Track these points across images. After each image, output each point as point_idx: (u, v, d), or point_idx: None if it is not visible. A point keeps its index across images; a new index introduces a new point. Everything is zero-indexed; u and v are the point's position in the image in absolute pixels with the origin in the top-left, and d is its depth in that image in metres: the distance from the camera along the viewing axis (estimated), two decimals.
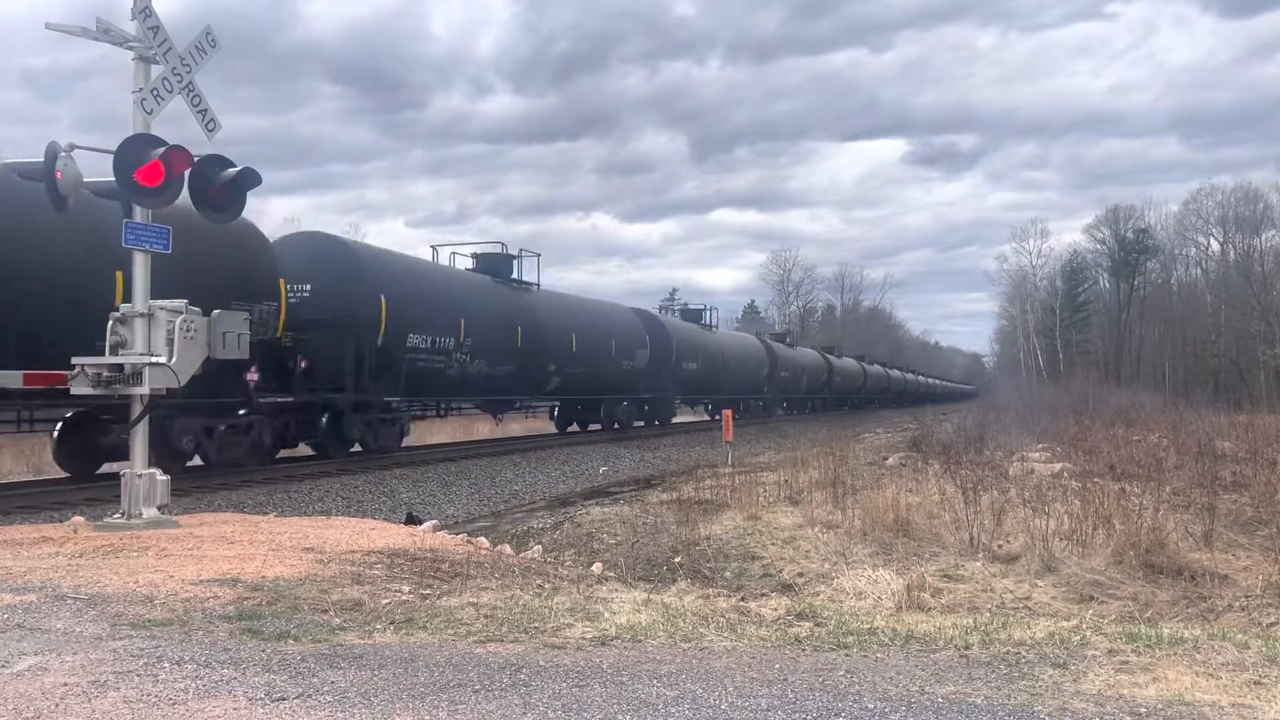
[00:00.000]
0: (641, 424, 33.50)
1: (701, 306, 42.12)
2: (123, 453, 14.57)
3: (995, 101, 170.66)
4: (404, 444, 20.86)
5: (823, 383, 57.80)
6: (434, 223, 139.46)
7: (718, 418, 33.77)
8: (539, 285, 26.60)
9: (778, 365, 46.89)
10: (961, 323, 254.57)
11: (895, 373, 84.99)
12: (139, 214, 8.58)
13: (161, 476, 8.67)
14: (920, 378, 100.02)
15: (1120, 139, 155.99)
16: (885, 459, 20.69)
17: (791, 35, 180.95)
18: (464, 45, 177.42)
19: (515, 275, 25.59)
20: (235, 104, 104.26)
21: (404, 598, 5.92)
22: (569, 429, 31.10)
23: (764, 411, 45.97)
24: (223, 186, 8.83)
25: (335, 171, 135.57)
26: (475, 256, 25.33)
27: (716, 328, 42.62)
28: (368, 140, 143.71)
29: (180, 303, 8.68)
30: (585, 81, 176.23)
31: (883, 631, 5.15)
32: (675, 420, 37.90)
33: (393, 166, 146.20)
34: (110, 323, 8.55)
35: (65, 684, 3.95)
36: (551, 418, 31.30)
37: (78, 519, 9.71)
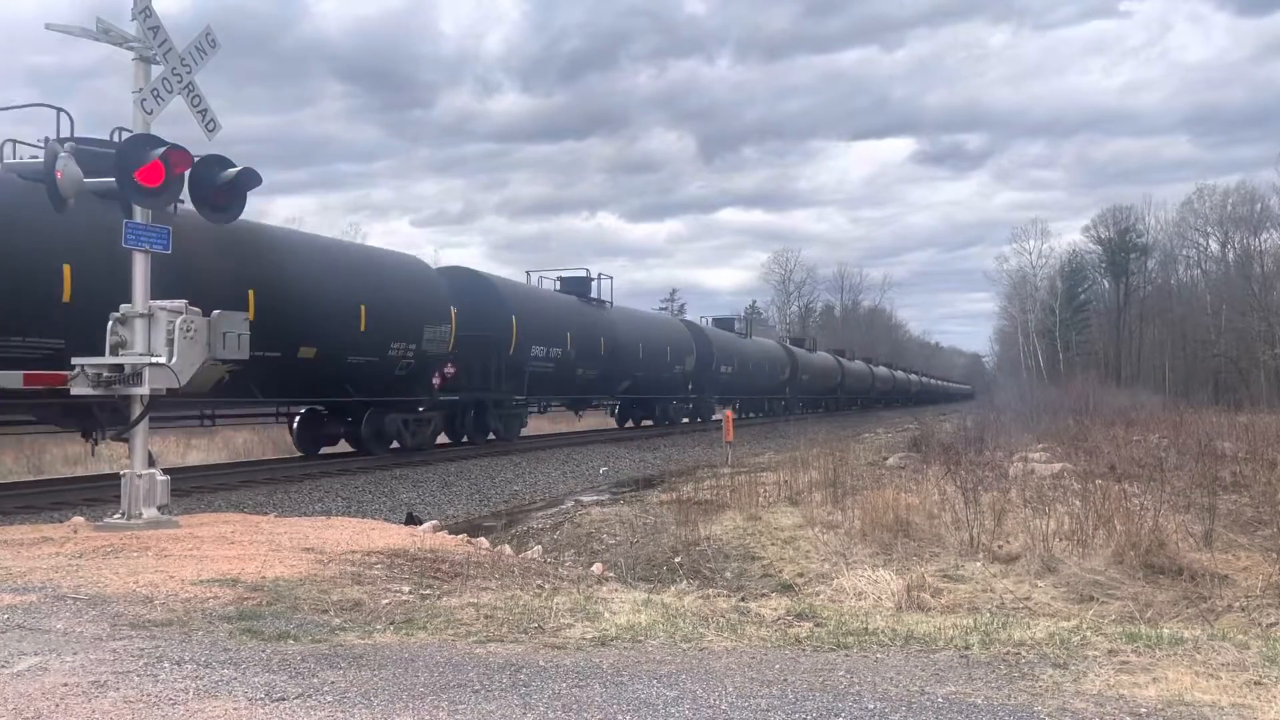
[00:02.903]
0: (687, 420, 37.98)
1: (732, 316, 47.68)
2: (333, 440, 20.06)
3: (1006, 100, 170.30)
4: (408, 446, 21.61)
5: (836, 384, 60.74)
6: (439, 222, 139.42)
7: (742, 416, 36.92)
8: (612, 303, 31.32)
9: (798, 369, 50.61)
10: (962, 323, 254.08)
11: (899, 374, 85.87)
12: (139, 214, 8.56)
13: (161, 477, 8.66)
14: (922, 378, 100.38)
15: (1130, 138, 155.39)
16: (885, 459, 20.69)
17: (802, 33, 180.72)
18: (473, 44, 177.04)
19: (594, 295, 30.25)
20: (242, 103, 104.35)
21: (404, 598, 5.92)
22: (626, 424, 35.57)
23: (785, 410, 49.71)
24: (223, 186, 8.82)
25: (342, 170, 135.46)
26: (560, 279, 30.03)
27: (746, 335, 47.02)
28: (374, 139, 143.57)
29: (180, 303, 8.66)
30: (594, 80, 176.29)
31: (883, 632, 5.14)
32: (712, 418, 40.41)
33: (399, 165, 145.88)
34: (110, 323, 8.54)
35: (65, 684, 3.95)
36: (612, 414, 35.79)
37: (78, 519, 9.70)
